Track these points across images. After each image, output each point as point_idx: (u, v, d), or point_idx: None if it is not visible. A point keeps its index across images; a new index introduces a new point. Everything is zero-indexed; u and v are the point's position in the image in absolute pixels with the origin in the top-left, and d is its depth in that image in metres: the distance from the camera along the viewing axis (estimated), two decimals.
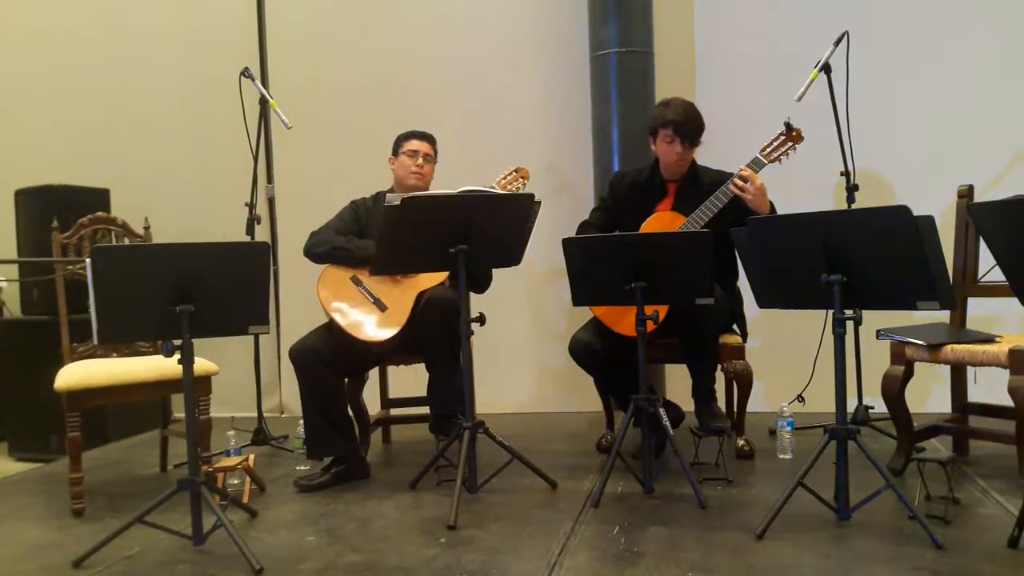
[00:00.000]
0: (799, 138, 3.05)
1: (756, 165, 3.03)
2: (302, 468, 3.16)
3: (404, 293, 3.07)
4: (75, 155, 4.49)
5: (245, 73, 3.66)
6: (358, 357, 3.11)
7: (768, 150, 3.06)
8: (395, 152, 3.33)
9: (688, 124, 3.06)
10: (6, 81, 4.71)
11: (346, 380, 3.20)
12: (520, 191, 3.26)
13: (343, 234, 3.20)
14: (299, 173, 4.48)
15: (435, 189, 3.26)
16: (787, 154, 3.05)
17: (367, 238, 3.19)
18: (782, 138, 3.05)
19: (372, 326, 3.02)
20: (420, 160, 3.27)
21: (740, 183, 2.96)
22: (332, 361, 2.99)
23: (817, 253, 2.25)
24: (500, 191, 3.17)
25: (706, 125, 3.12)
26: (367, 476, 3.07)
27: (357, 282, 3.09)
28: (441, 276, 3.10)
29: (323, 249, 3.14)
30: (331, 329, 3.03)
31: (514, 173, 3.30)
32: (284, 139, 4.22)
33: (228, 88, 3.68)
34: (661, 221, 3.11)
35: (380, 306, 3.04)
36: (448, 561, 2.21)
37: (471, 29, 4.32)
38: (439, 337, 2.97)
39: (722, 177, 3.08)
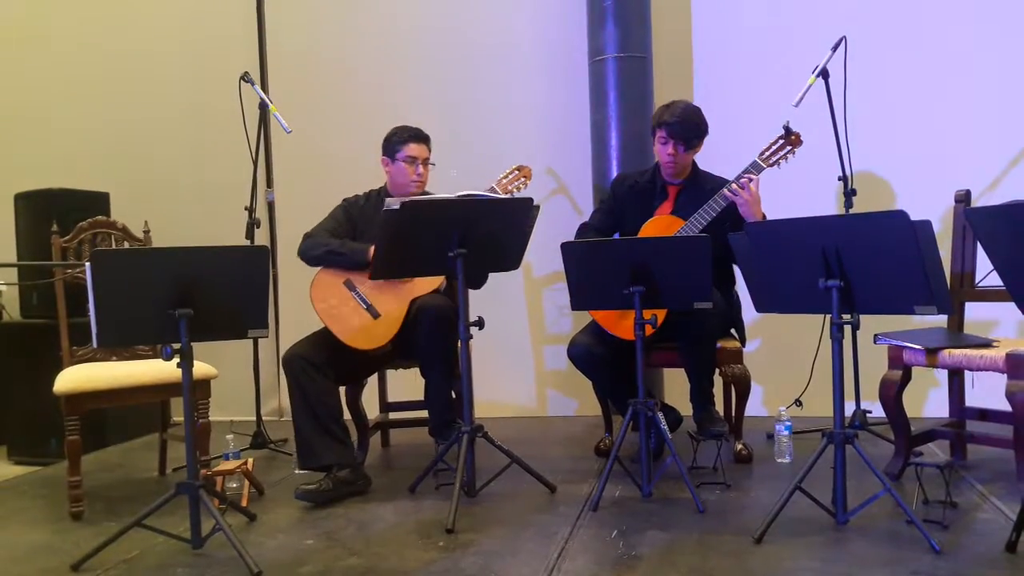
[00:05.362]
0: (798, 142, 3.05)
1: (755, 169, 3.03)
2: (300, 472, 3.14)
3: (397, 300, 3.01)
4: (75, 159, 4.49)
5: (245, 78, 3.66)
6: (353, 364, 3.06)
7: (767, 154, 3.06)
8: (390, 154, 3.20)
9: (682, 127, 3.07)
10: (6, 85, 4.71)
11: (343, 386, 3.16)
12: (523, 190, 3.21)
13: (337, 236, 3.13)
14: (298, 177, 4.48)
15: (434, 193, 3.25)
16: (786, 158, 3.05)
17: (360, 239, 3.14)
18: (781, 142, 3.06)
19: (363, 333, 2.97)
20: (420, 168, 3.18)
21: (736, 187, 2.97)
22: (325, 367, 2.92)
23: (815, 258, 2.26)
24: (501, 195, 3.13)
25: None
26: (367, 490, 2.94)
27: (351, 287, 3.02)
28: (436, 282, 3.06)
29: (318, 252, 3.07)
30: (326, 335, 2.99)
31: (516, 172, 3.23)
32: (284, 143, 4.22)
33: (228, 92, 3.68)
34: (659, 225, 3.11)
35: (372, 313, 2.98)
36: (447, 565, 2.21)
37: (470, 35, 4.33)
38: (431, 345, 2.94)
39: (722, 183, 3.09)
